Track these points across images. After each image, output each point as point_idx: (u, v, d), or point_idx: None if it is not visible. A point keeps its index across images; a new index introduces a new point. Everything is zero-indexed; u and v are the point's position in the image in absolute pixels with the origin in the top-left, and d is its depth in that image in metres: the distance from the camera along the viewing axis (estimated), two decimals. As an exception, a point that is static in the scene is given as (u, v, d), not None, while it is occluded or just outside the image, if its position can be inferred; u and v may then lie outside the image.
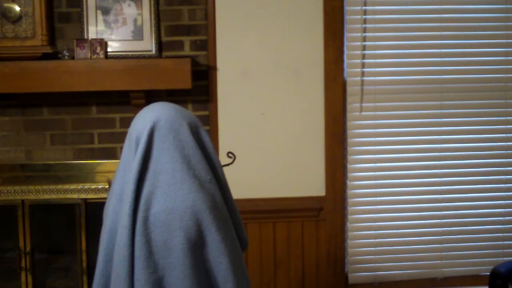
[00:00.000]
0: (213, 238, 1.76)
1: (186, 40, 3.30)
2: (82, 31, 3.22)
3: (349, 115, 3.39)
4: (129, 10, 3.24)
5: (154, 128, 1.80)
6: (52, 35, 3.23)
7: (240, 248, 1.89)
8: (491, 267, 2.91)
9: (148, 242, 1.73)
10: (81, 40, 3.17)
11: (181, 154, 1.79)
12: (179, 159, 1.78)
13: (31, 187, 3.26)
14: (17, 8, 3.13)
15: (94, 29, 3.22)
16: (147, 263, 1.72)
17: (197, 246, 1.75)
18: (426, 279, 3.51)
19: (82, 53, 3.14)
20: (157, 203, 1.75)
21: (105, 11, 3.23)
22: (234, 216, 1.92)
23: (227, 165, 2.01)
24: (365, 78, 3.38)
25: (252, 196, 3.36)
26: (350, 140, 3.40)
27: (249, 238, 3.34)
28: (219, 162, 1.89)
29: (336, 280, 3.44)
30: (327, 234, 3.41)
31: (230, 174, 3.31)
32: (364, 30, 3.36)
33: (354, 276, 3.48)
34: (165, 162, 1.78)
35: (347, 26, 3.35)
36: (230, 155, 2.43)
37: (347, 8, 3.33)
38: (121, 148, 3.36)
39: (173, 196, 1.75)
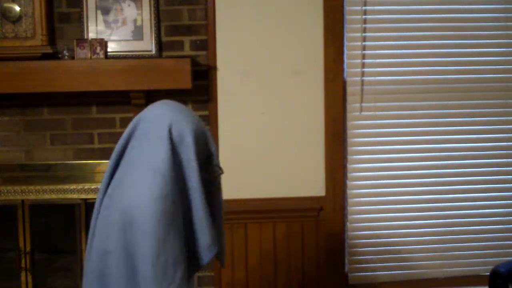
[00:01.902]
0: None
1: (186, 40, 3.30)
2: (82, 31, 3.22)
3: (349, 115, 3.39)
4: (129, 10, 3.24)
5: (137, 122, 1.95)
6: (52, 35, 3.23)
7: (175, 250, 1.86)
8: (491, 267, 2.91)
9: (96, 217, 1.94)
10: (81, 40, 3.17)
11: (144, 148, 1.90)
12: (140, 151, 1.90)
13: (31, 187, 3.26)
14: (17, 8, 3.13)
15: (94, 29, 3.22)
16: (92, 232, 1.93)
17: (127, 227, 1.82)
18: (427, 279, 3.51)
19: (82, 53, 3.14)
20: (116, 185, 1.91)
21: (105, 11, 3.23)
22: (194, 223, 1.91)
23: (214, 176, 1.97)
24: (365, 78, 3.38)
25: (252, 196, 3.36)
26: (350, 140, 3.40)
27: (249, 238, 3.36)
28: (194, 175, 1.89)
29: (336, 280, 3.44)
30: (327, 234, 3.41)
31: (231, 174, 3.33)
32: (364, 30, 3.36)
33: (354, 276, 3.48)
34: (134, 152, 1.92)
35: (347, 26, 3.35)
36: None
37: (347, 8, 3.33)
38: (121, 148, 3.36)
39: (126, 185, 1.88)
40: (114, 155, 1.94)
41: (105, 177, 1.94)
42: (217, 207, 2.02)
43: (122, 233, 1.83)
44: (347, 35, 3.35)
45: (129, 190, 1.84)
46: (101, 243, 1.88)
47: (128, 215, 1.81)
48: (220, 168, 1.99)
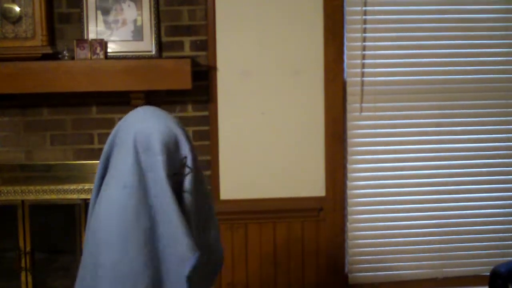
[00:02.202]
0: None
1: (186, 40, 3.30)
2: (82, 32, 3.22)
3: (349, 115, 3.39)
4: (129, 11, 3.24)
5: (118, 129, 1.92)
6: (52, 36, 3.23)
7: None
8: (491, 267, 2.91)
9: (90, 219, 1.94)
10: (81, 40, 3.17)
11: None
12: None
13: (31, 187, 3.26)
14: (17, 9, 3.13)
15: (94, 30, 3.22)
16: (86, 235, 1.93)
17: (92, 232, 1.85)
18: (427, 279, 3.51)
19: (82, 53, 3.14)
20: (104, 189, 1.90)
21: (105, 12, 3.23)
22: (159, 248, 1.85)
23: (184, 174, 1.92)
24: (365, 78, 3.38)
25: (252, 196, 3.36)
26: (350, 140, 3.40)
27: (250, 238, 3.36)
28: (163, 184, 1.83)
29: (336, 280, 3.44)
30: (327, 234, 3.41)
31: (231, 174, 3.34)
32: (364, 30, 3.36)
33: (354, 276, 3.48)
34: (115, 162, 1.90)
35: (347, 26, 3.35)
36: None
37: (347, 8, 3.33)
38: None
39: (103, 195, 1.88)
40: (102, 157, 1.92)
41: (96, 178, 1.94)
42: (197, 209, 1.95)
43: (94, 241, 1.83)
44: (347, 35, 3.35)
45: (100, 200, 1.85)
46: (87, 246, 1.89)
47: (96, 225, 1.82)
48: (189, 168, 1.92)
